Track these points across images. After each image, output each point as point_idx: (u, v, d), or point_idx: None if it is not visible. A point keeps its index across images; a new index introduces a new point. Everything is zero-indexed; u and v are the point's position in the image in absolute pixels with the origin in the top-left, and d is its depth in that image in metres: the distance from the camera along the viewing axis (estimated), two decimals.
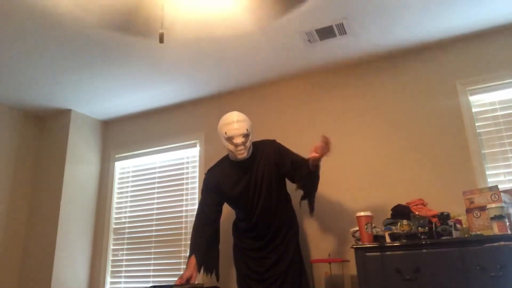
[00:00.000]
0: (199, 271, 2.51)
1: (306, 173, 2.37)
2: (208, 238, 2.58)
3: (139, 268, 3.48)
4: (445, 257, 1.97)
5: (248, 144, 2.46)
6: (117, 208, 3.77)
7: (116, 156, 3.91)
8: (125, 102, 3.65)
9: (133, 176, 3.81)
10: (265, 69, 3.14)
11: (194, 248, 2.54)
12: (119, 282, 3.54)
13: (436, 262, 1.98)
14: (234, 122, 2.44)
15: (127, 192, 3.79)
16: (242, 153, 2.43)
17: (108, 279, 3.59)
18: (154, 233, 3.51)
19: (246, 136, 2.43)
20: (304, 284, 2.49)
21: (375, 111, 2.93)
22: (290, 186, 2.94)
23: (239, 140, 2.41)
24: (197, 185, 3.42)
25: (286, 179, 2.62)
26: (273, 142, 2.62)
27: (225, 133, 2.43)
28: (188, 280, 2.41)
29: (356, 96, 3.02)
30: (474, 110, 2.67)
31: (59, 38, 2.64)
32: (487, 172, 2.53)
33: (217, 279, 2.64)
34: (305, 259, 2.80)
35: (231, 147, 2.44)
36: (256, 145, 2.60)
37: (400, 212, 2.35)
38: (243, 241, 2.64)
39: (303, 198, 2.53)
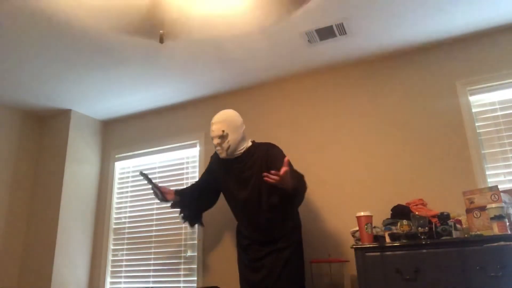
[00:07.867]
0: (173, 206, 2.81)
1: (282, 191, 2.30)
2: (194, 196, 2.79)
3: (139, 268, 3.48)
4: (445, 257, 1.97)
5: (226, 145, 2.48)
6: (117, 208, 3.77)
7: (116, 156, 3.91)
8: (125, 102, 3.65)
9: (133, 176, 3.81)
10: (265, 69, 3.14)
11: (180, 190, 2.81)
12: (119, 282, 3.53)
13: (436, 262, 1.98)
14: (213, 124, 2.51)
15: (127, 192, 3.79)
16: (220, 153, 2.51)
17: (108, 279, 3.59)
18: (154, 233, 3.51)
19: (222, 137, 2.47)
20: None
21: (375, 111, 2.93)
22: None
23: (215, 141, 2.49)
24: None
25: None
26: (271, 146, 2.58)
27: (210, 133, 2.55)
28: (163, 193, 2.69)
29: (356, 96, 3.02)
30: (474, 110, 2.67)
31: (59, 39, 2.64)
32: (487, 172, 2.53)
33: (186, 222, 2.86)
34: (305, 259, 2.80)
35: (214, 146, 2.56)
36: (256, 146, 2.60)
37: (400, 212, 2.35)
38: (239, 233, 2.71)
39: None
